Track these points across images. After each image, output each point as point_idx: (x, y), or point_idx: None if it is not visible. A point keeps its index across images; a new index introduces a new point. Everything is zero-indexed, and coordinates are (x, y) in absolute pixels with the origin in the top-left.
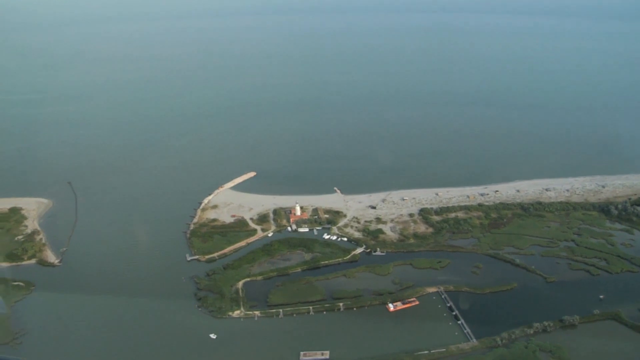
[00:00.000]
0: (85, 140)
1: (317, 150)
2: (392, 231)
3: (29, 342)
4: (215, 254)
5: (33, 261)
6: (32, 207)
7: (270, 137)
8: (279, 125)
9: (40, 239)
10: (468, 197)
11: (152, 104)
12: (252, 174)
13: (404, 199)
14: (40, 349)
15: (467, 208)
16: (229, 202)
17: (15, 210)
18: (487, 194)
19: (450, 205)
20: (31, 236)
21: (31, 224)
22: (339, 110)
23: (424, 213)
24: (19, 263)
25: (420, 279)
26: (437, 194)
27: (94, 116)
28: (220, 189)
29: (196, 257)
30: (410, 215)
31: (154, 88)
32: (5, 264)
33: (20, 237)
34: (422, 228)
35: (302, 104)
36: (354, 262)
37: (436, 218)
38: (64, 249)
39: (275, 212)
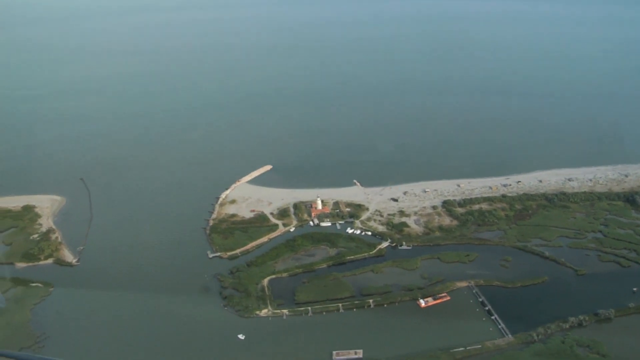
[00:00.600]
0: (95, 136)
1: (332, 142)
2: (416, 224)
3: (52, 345)
4: (238, 251)
5: (50, 261)
6: (46, 205)
7: (283, 129)
8: (292, 117)
9: (56, 238)
10: (490, 188)
11: (161, 97)
12: (268, 167)
13: (425, 191)
14: (63, 352)
15: (490, 199)
16: (247, 197)
17: (28, 208)
18: (510, 185)
19: (473, 196)
20: (46, 235)
21: (46, 222)
22: (353, 101)
23: (448, 205)
24: (36, 263)
25: (449, 273)
26: (458, 185)
27: (103, 110)
28: (237, 183)
29: (218, 254)
30: (434, 207)
31: (162, 81)
32: (22, 264)
33: (35, 236)
34: (446, 220)
35: (314, 95)
36: (380, 256)
37: (460, 210)
38: (81, 247)
39: (295, 206)
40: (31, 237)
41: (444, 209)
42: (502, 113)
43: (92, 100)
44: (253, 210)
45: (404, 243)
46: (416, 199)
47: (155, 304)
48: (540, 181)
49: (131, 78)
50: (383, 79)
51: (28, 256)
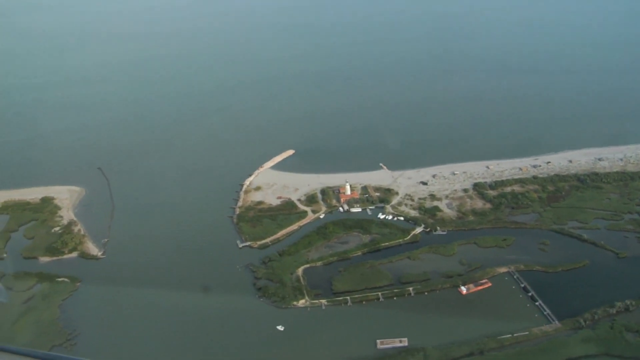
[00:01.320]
0: (108, 123)
1: (354, 124)
2: (448, 208)
3: (83, 343)
4: (268, 240)
5: (75, 254)
6: (65, 196)
7: (303, 111)
8: (310, 99)
9: (79, 230)
10: (520, 169)
11: (174, 82)
12: (290, 151)
13: (454, 174)
14: (96, 349)
15: (521, 181)
16: (272, 183)
17: (47, 200)
18: (540, 166)
19: (504, 178)
20: (68, 227)
21: (66, 214)
22: (371, 81)
23: (479, 188)
24: (60, 257)
25: (487, 258)
26: (487, 167)
27: (113, 97)
28: (260, 169)
29: (248, 243)
30: (465, 190)
31: (172, 65)
32: (46, 259)
33: (57, 228)
34: (479, 204)
35: (331, 75)
36: (414, 242)
37: (492, 193)
38: (106, 240)
39: (323, 191)
40: (53, 230)
41: (476, 192)
42: (524, 91)
43: (101, 87)
44: (280, 197)
45: (438, 228)
46: (446, 182)
47: (187, 296)
48: (570, 161)
49: (140, 63)
50: (401, 57)
51: (51, 250)
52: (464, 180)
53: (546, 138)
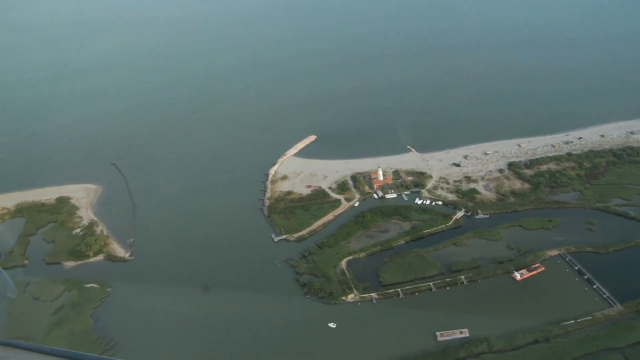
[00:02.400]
0: (116, 115)
1: (376, 106)
2: (486, 190)
3: (122, 353)
4: (304, 232)
5: (101, 257)
6: (81, 195)
7: (320, 94)
8: (328, 81)
9: (101, 231)
10: (553, 146)
11: (180, 70)
12: (312, 137)
13: (486, 153)
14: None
15: (556, 159)
16: (299, 171)
17: (63, 200)
18: (572, 142)
19: (537, 156)
20: (90, 228)
21: (86, 215)
22: (388, 60)
23: (514, 167)
24: (85, 261)
25: (535, 241)
26: (519, 145)
27: (119, 87)
28: (284, 157)
29: (284, 236)
30: (500, 170)
31: (178, 52)
32: (70, 263)
33: (77, 230)
34: (517, 184)
35: (348, 56)
36: (457, 228)
37: (528, 172)
38: (131, 239)
39: (354, 178)
40: (74, 232)
41: (512, 172)
42: (546, 64)
43: (103, 78)
44: (309, 186)
45: (479, 211)
46: (479, 163)
47: (226, 296)
48: (602, 136)
49: (142, 51)
50: (415, 34)
51: (75, 254)
52: (497, 160)
53: (575, 112)
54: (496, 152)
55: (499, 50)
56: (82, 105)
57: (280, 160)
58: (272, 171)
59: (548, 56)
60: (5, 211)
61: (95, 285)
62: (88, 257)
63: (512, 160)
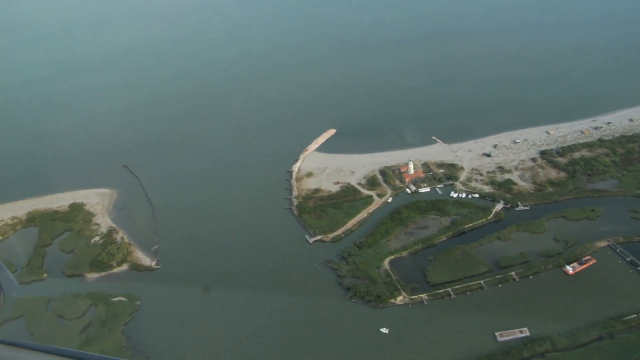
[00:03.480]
0: (124, 114)
1: (394, 95)
2: (522, 180)
3: None
4: (340, 231)
5: (125, 267)
6: (95, 201)
7: (336, 85)
8: (341, 70)
9: (122, 238)
10: (582, 132)
11: (186, 63)
12: (332, 131)
13: (516, 142)
14: None
15: (588, 145)
16: (323, 167)
17: (77, 207)
18: (601, 127)
19: (568, 143)
20: (109, 236)
21: (103, 221)
22: (407, 47)
23: (547, 156)
24: (109, 272)
25: (581, 232)
26: (548, 133)
27: (122, 86)
28: (305, 153)
29: (319, 237)
30: (533, 159)
31: (184, 45)
32: (93, 275)
33: (96, 238)
34: (552, 173)
35: (362, 43)
36: (498, 221)
37: (562, 160)
38: (156, 246)
39: (383, 172)
40: (92, 241)
41: (545, 161)
42: (565, 48)
43: (104, 77)
44: (337, 182)
45: (519, 203)
46: (510, 152)
47: (266, 302)
48: (631, 120)
49: (143, 47)
50: (433, 18)
51: (97, 264)
52: (528, 149)
53: (600, 96)
54: (525, 140)
55: (517, 33)
56: (85, 104)
57: (302, 155)
58: (295, 168)
59: (567, 38)
60: (16, 220)
61: (122, 298)
62: (111, 267)
63: (543, 148)
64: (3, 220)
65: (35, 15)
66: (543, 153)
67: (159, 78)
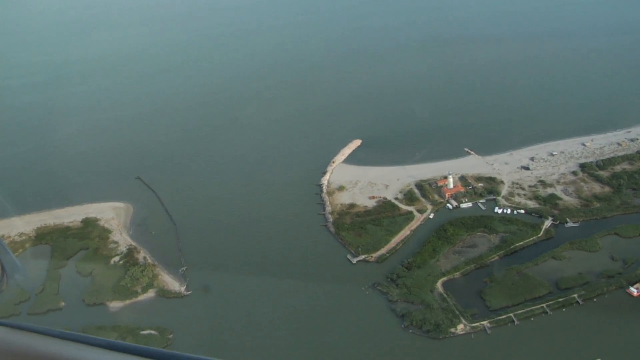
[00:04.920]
0: (131, 122)
1: (418, 105)
2: (566, 195)
3: None
4: (384, 250)
5: (152, 294)
6: (109, 216)
7: (358, 92)
8: (362, 77)
9: (145, 259)
10: (619, 144)
11: (194, 69)
12: (357, 142)
13: (553, 154)
14: None
15: (628, 158)
16: (355, 180)
17: (90, 223)
18: (637, 139)
19: (607, 156)
20: (130, 256)
21: (121, 239)
22: (426, 51)
23: (588, 169)
24: (134, 299)
25: (638, 251)
26: (584, 145)
27: (129, 91)
28: (333, 165)
29: (362, 257)
30: (574, 173)
31: (192, 49)
32: (117, 304)
33: (116, 258)
34: (596, 188)
35: (375, 51)
36: (549, 238)
37: (603, 174)
38: (184, 268)
39: (419, 186)
40: (112, 262)
41: (586, 174)
42: (591, 56)
43: (109, 81)
44: (373, 197)
45: (568, 219)
46: (548, 165)
47: (313, 333)
48: None
49: (145, 51)
50: (454, 24)
51: (121, 291)
52: (567, 162)
53: (630, 106)
54: (562, 152)
55: (537, 40)
56: (87, 111)
57: (329, 168)
58: (324, 181)
59: (588, 46)
60: (24, 237)
61: (153, 331)
62: (137, 294)
63: (581, 161)
64: (10, 237)
65: (31, 17)
66: (583, 166)
67: (163, 84)
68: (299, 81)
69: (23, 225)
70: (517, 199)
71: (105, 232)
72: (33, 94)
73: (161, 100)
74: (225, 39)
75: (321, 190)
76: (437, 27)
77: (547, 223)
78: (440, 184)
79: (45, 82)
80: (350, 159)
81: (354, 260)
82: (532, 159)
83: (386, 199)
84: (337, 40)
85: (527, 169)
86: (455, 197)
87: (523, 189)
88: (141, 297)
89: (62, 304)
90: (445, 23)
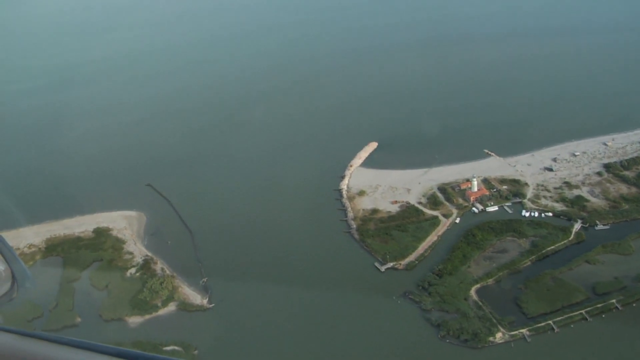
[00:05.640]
0: (137, 127)
1: (433, 105)
2: (593, 196)
3: None
4: (412, 257)
5: (173, 307)
6: (121, 225)
7: (371, 93)
8: (373, 78)
9: (163, 270)
10: None
11: (199, 71)
12: (373, 144)
13: (575, 155)
14: None
15: None
16: (375, 185)
17: (102, 232)
18: None
19: (630, 156)
20: (147, 268)
21: (136, 249)
22: (440, 49)
23: (612, 169)
24: (154, 314)
25: None
26: (605, 144)
27: (133, 95)
28: (350, 169)
29: (391, 264)
30: (599, 173)
31: (196, 50)
32: (136, 319)
33: (132, 270)
34: (623, 188)
35: (383, 50)
36: (580, 242)
37: (629, 174)
38: (204, 279)
39: (442, 190)
40: (128, 274)
41: (611, 175)
42: (596, 53)
43: (112, 85)
44: (395, 202)
45: (598, 222)
46: (571, 166)
47: (347, 346)
48: None
49: (153, 52)
50: (466, 19)
51: (140, 305)
52: (590, 162)
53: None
54: (584, 152)
55: (548, 38)
56: (92, 116)
57: (347, 172)
58: (343, 186)
59: (598, 43)
60: (34, 249)
61: (176, 347)
62: (157, 308)
63: (605, 161)
64: (19, 249)
65: (31, 19)
66: (608, 167)
67: (168, 87)
68: (308, 81)
69: (32, 235)
70: (543, 201)
71: (118, 243)
72: (33, 99)
73: (167, 102)
74: (231, 39)
75: (341, 195)
76: (446, 25)
77: (577, 226)
78: (463, 187)
79: (46, 86)
80: (368, 163)
81: (383, 268)
82: (554, 159)
83: (409, 203)
84: (346, 40)
85: (551, 170)
86: (481, 200)
87: (548, 191)
88: (162, 311)
89: (78, 319)
90: (454, 21)
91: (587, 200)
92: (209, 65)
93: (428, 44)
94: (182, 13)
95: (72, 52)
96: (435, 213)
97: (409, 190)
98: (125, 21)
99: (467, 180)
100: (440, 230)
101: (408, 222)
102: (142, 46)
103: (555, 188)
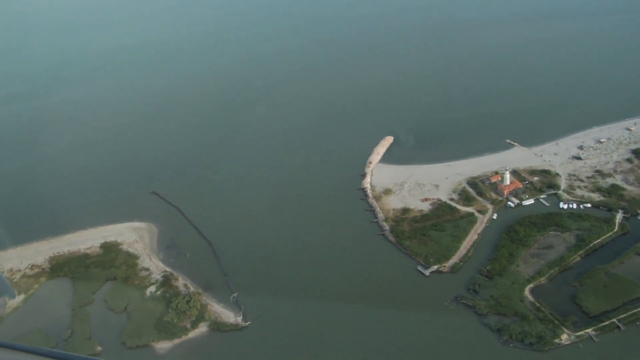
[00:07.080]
0: (133, 130)
1: (446, 96)
2: (628, 184)
3: None
4: (456, 259)
5: (204, 328)
6: (132, 238)
7: (382, 87)
8: (378, 71)
9: (186, 287)
10: None
11: (194, 67)
12: (389, 139)
13: (600, 141)
14: None
15: None
16: (400, 182)
17: (111, 247)
18: None
19: None
20: (168, 285)
21: (152, 265)
22: (451, 36)
23: None
24: (184, 337)
25: None
26: (629, 129)
27: (126, 96)
28: (370, 166)
29: (435, 267)
30: (629, 160)
31: (190, 45)
32: (165, 344)
33: (152, 289)
34: None
35: (388, 41)
36: (626, 233)
37: None
38: (234, 294)
39: (472, 184)
40: (148, 293)
41: None
42: (615, 36)
43: (102, 85)
44: (425, 199)
45: (639, 211)
46: (599, 153)
47: (398, 354)
48: None
49: (143, 49)
50: (471, 9)
51: (167, 328)
52: (617, 149)
53: None
54: (609, 139)
55: (558, 21)
56: (83, 120)
57: (367, 169)
58: (366, 184)
59: (613, 25)
60: (37, 270)
61: None
62: (186, 330)
63: (632, 147)
64: (20, 270)
65: (12, 19)
66: (637, 152)
67: (163, 85)
68: (310, 78)
69: (32, 255)
70: (578, 192)
71: (131, 258)
72: (19, 104)
73: (163, 102)
74: (225, 36)
75: (366, 195)
76: (454, 10)
77: (619, 216)
78: (493, 180)
79: (31, 90)
80: (387, 158)
81: (427, 272)
82: (580, 147)
83: (441, 200)
84: (353, 34)
85: (579, 158)
86: (515, 194)
87: (582, 180)
88: (192, 334)
89: (99, 348)
90: (464, 4)
91: (623, 189)
92: (203, 60)
93: (435, 30)
94: (181, 6)
95: (60, 51)
96: (470, 209)
97: (437, 186)
98: (119, 16)
99: (496, 173)
100: (479, 227)
101: (443, 220)
102: (134, 42)
103: (587, 177)
